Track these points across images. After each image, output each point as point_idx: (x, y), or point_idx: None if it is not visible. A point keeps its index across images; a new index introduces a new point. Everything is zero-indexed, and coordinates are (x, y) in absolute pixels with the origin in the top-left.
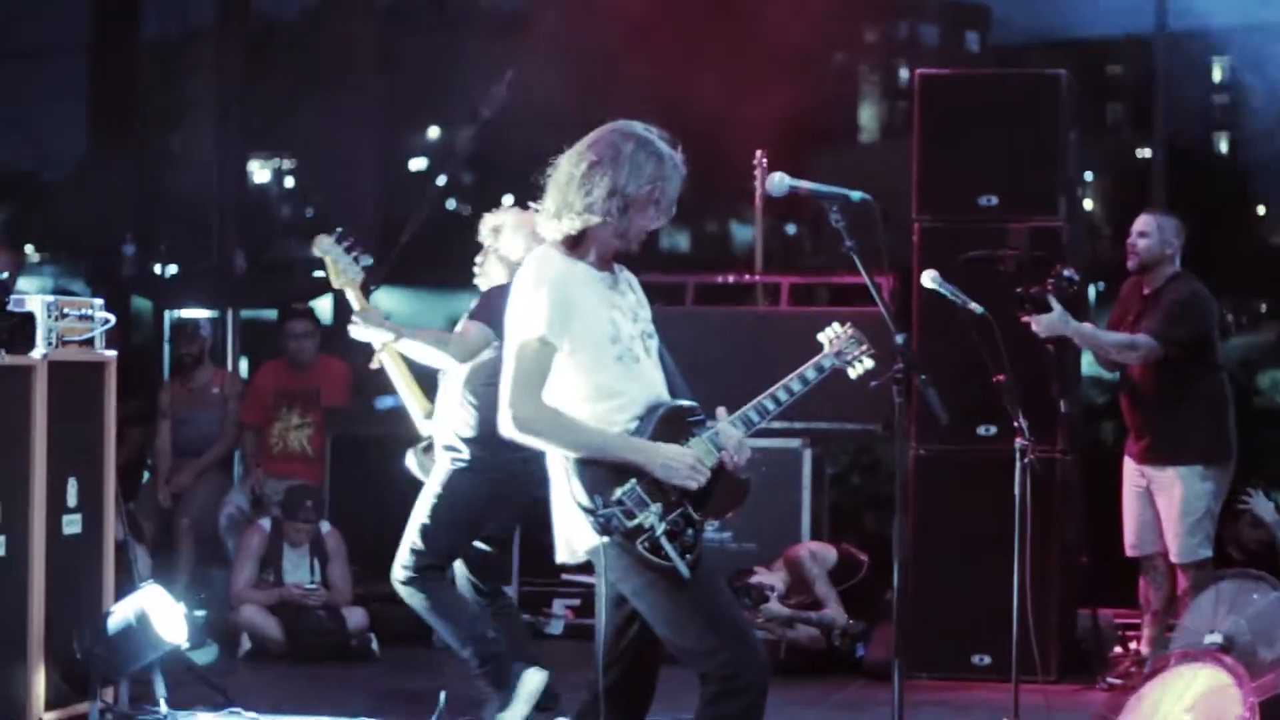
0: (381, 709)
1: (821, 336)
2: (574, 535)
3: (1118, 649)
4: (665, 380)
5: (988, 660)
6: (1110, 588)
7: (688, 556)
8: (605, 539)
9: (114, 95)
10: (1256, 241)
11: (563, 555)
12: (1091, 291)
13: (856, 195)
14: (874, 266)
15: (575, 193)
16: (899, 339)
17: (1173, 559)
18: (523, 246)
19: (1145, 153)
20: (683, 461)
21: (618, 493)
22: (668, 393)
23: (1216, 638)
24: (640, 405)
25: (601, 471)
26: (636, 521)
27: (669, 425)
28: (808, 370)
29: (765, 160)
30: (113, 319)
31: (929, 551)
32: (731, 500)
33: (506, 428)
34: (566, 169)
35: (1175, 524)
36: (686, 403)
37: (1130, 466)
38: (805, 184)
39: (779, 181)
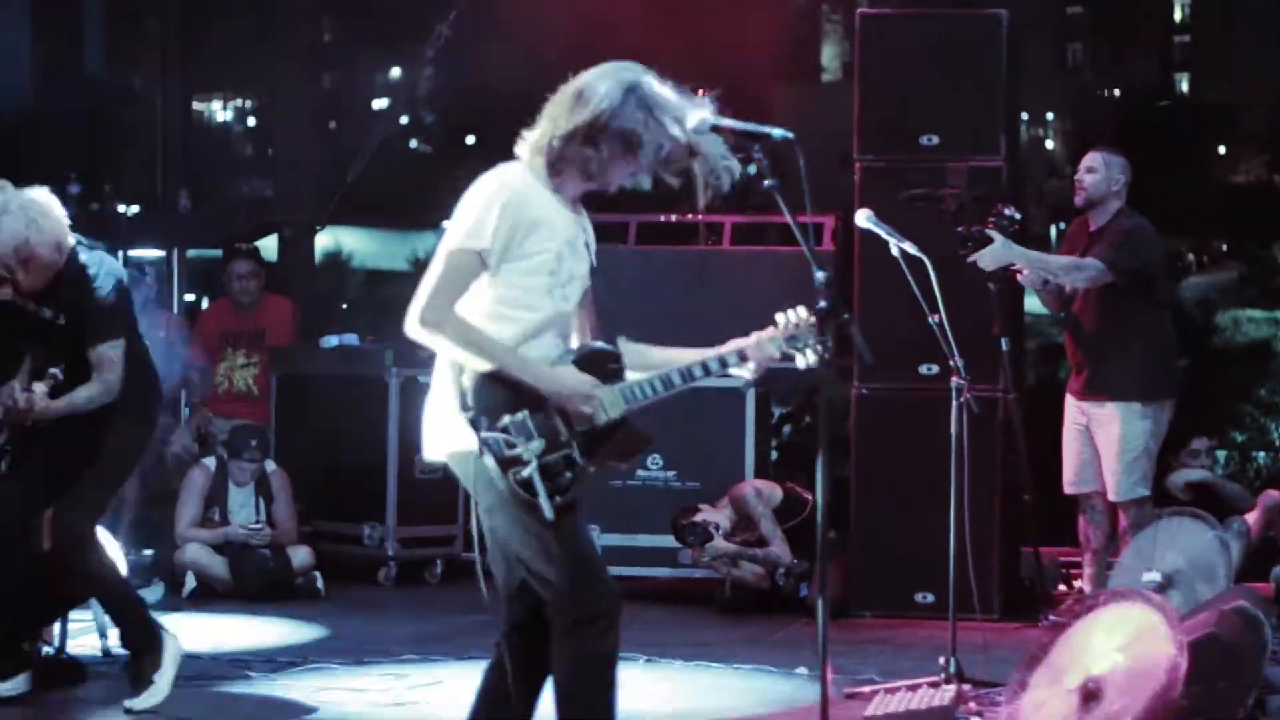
0: (326, 648)
1: (780, 317)
2: (445, 438)
3: (1061, 587)
4: (588, 328)
5: (930, 598)
6: (1055, 526)
7: (557, 499)
8: (474, 457)
9: (60, 31)
10: (1216, 181)
11: (430, 453)
12: (1053, 232)
13: (778, 133)
14: (801, 206)
15: (561, 116)
16: (819, 277)
17: (1110, 497)
18: None
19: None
20: (577, 389)
21: (505, 419)
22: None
23: (1155, 576)
24: (552, 344)
25: (498, 394)
26: (515, 452)
27: (591, 366)
28: (728, 354)
29: (711, 99)
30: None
31: (873, 490)
32: (628, 451)
33: (412, 326)
34: (561, 94)
35: (1113, 461)
36: (610, 348)
37: (1071, 403)
38: (726, 121)
39: (700, 120)
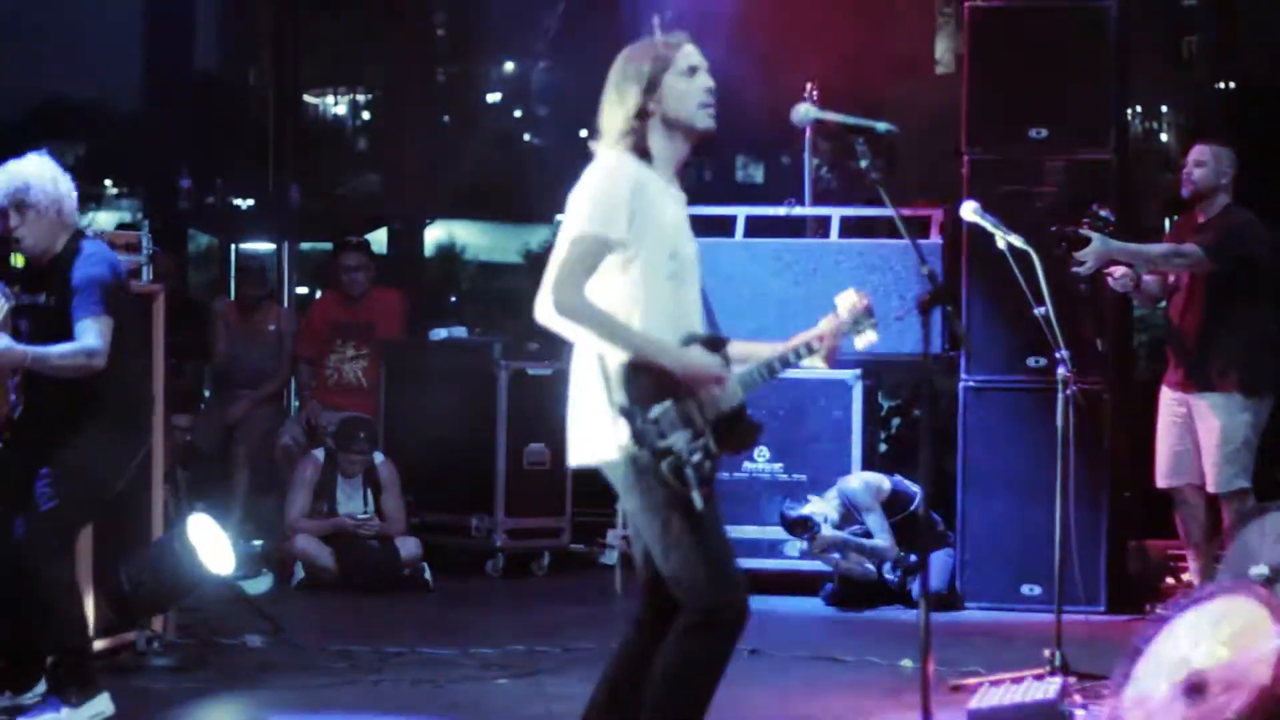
0: (433, 639)
1: (840, 299)
2: (594, 441)
3: (1168, 580)
4: (704, 314)
5: (1037, 590)
6: (1162, 520)
7: (704, 488)
8: (626, 453)
9: (172, 26)
10: None
11: (576, 458)
12: (1166, 225)
13: (883, 126)
14: (907, 198)
15: (628, 91)
16: (923, 269)
17: (1209, 488)
18: None
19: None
20: (711, 373)
21: (655, 411)
22: (699, 325)
23: (1262, 569)
24: (674, 329)
25: (643, 384)
26: (667, 442)
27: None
28: (811, 341)
29: (816, 93)
30: (147, 249)
31: (979, 482)
32: (746, 439)
33: (544, 312)
34: (612, 77)
35: (1213, 453)
36: (721, 335)
37: (1167, 395)
38: (831, 115)
39: (804, 112)
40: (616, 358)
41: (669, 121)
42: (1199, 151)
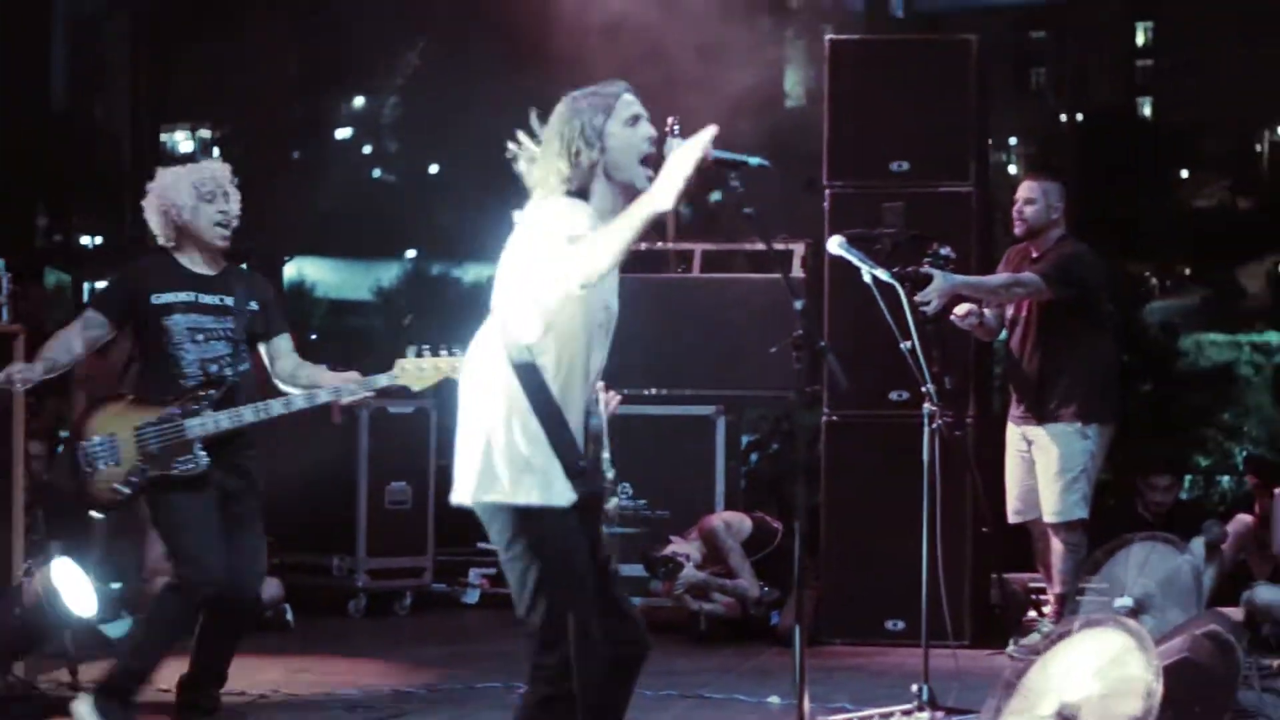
0: (295, 680)
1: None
2: (483, 484)
3: (1031, 613)
4: None
5: (901, 625)
6: (1024, 553)
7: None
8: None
9: (25, 64)
10: (1179, 205)
11: (462, 498)
12: None
13: (755, 160)
14: (776, 233)
15: (571, 138)
16: (797, 305)
17: (1046, 518)
18: None
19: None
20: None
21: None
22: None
23: (1127, 601)
24: (584, 382)
25: (566, 432)
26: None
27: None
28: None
29: (678, 127)
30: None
31: (843, 517)
32: None
33: (526, 327)
34: (545, 146)
35: (1052, 481)
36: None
37: (1013, 431)
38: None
39: (675, 147)
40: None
41: (610, 174)
42: (1028, 188)
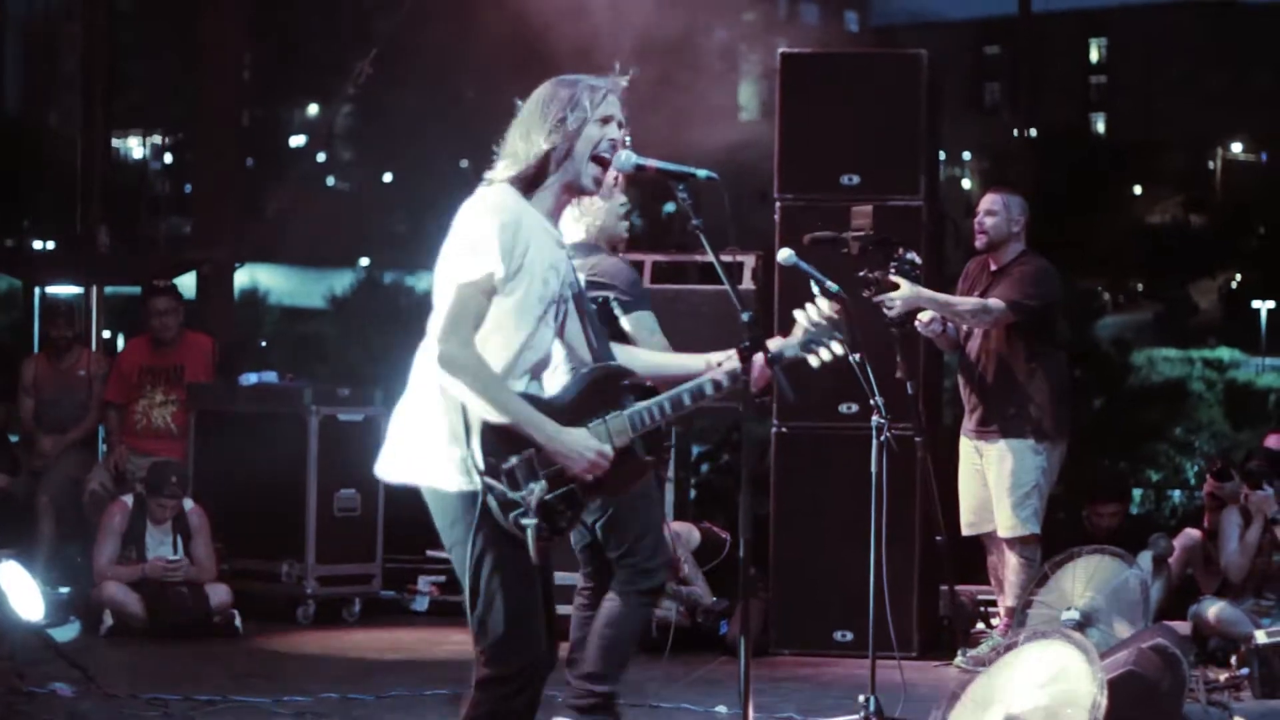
0: (244, 686)
1: (799, 315)
2: (425, 465)
3: (980, 625)
4: (591, 341)
5: (850, 636)
6: (972, 565)
7: (555, 537)
8: (460, 489)
9: None
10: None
11: (398, 475)
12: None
13: (703, 173)
14: (725, 245)
15: (535, 130)
16: (745, 317)
17: (999, 533)
18: None
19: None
20: (583, 455)
21: (512, 460)
22: (590, 355)
23: (1074, 614)
24: (537, 367)
25: (504, 435)
26: (519, 494)
27: (605, 385)
28: (737, 370)
29: (628, 139)
30: None
31: (792, 528)
32: (629, 481)
33: (431, 363)
34: (528, 110)
35: (1005, 496)
36: (621, 366)
37: (965, 444)
38: (652, 161)
39: (625, 159)
40: (484, 413)
41: (560, 164)
42: (990, 201)
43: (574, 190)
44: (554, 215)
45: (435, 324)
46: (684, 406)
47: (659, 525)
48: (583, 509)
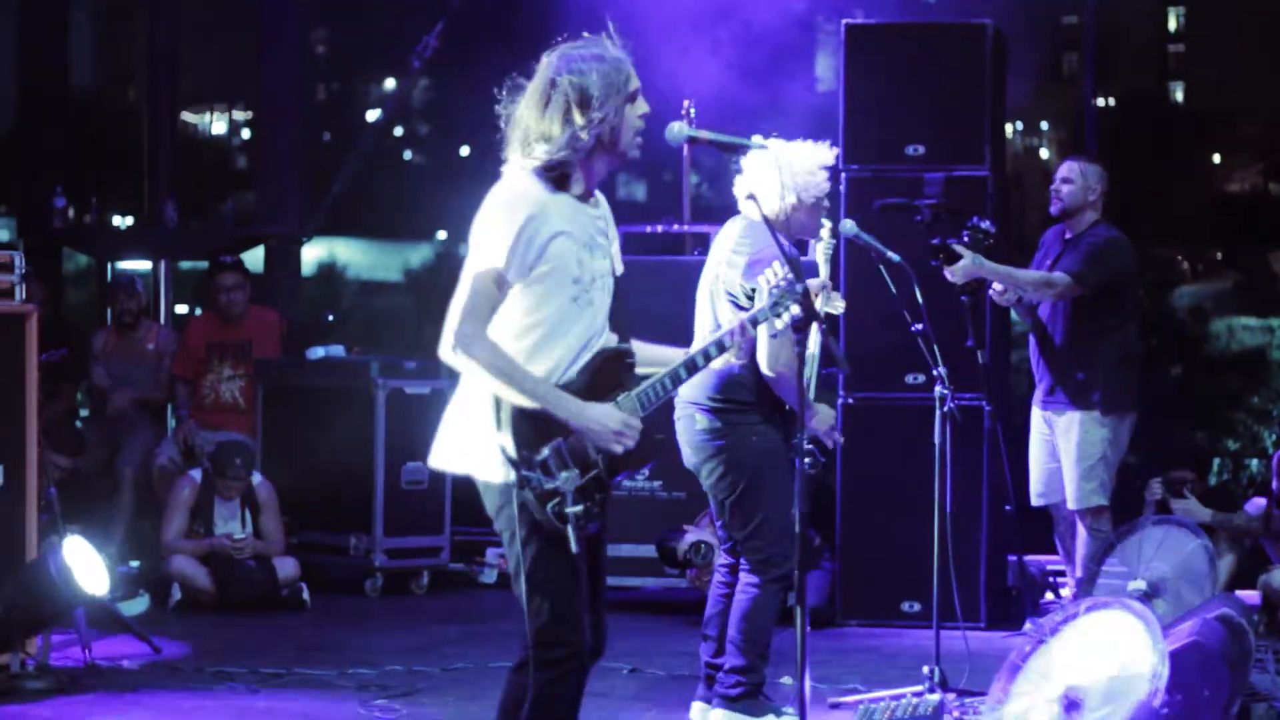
0: (311, 658)
1: (761, 279)
2: (474, 456)
3: (1048, 595)
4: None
5: (917, 607)
6: (1042, 535)
7: (590, 526)
8: (504, 479)
9: (47, 43)
10: (1211, 190)
11: (448, 465)
12: None
13: (755, 144)
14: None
15: (557, 103)
16: (798, 288)
17: (1068, 504)
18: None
19: (1101, 102)
20: (608, 426)
21: (544, 452)
22: (613, 332)
23: (1140, 584)
24: (576, 352)
25: (533, 425)
26: (554, 484)
27: (607, 366)
28: (724, 336)
29: (692, 110)
30: (20, 269)
31: (859, 499)
32: (645, 457)
33: (446, 351)
34: (538, 86)
35: (1071, 468)
36: (626, 346)
37: (1036, 415)
38: (704, 133)
39: (678, 130)
40: (510, 398)
41: (603, 144)
42: (1067, 168)
43: (615, 163)
44: (594, 187)
45: (451, 313)
46: (680, 379)
47: (785, 508)
48: (609, 492)
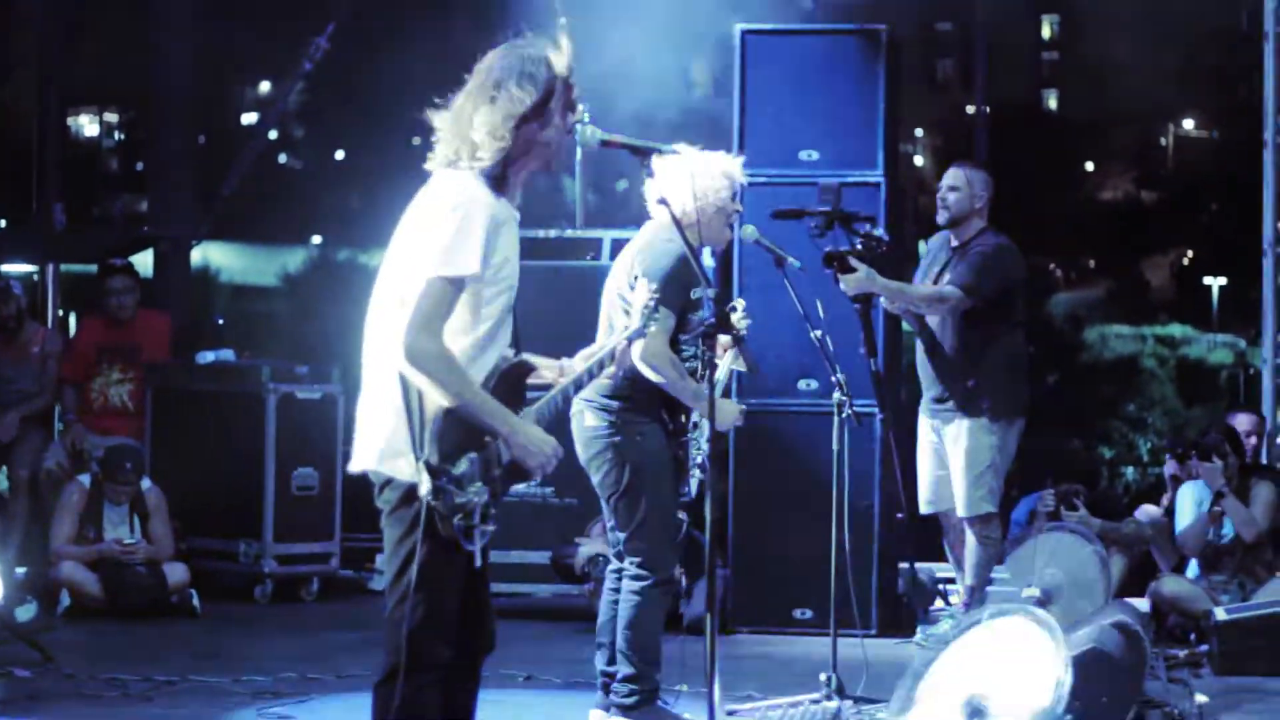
0: (203, 665)
1: (634, 296)
2: (390, 455)
3: (938, 602)
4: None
5: (810, 614)
6: (932, 542)
7: (485, 537)
8: (413, 479)
9: None
10: (1085, 197)
11: (365, 464)
12: (922, 246)
13: (667, 149)
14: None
15: (500, 108)
16: (709, 293)
17: (958, 512)
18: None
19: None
20: (543, 450)
21: (461, 465)
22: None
23: (1034, 591)
24: (496, 357)
25: (455, 436)
26: (464, 499)
27: (510, 378)
28: (605, 356)
29: (586, 115)
30: None
31: (753, 505)
32: (530, 472)
33: (397, 355)
34: (479, 88)
35: (960, 476)
36: (526, 361)
37: (923, 422)
38: (617, 137)
39: (590, 134)
40: (438, 402)
41: (538, 151)
42: (953, 175)
43: (542, 170)
44: (517, 192)
45: (402, 314)
46: (570, 398)
47: (667, 510)
48: (500, 502)
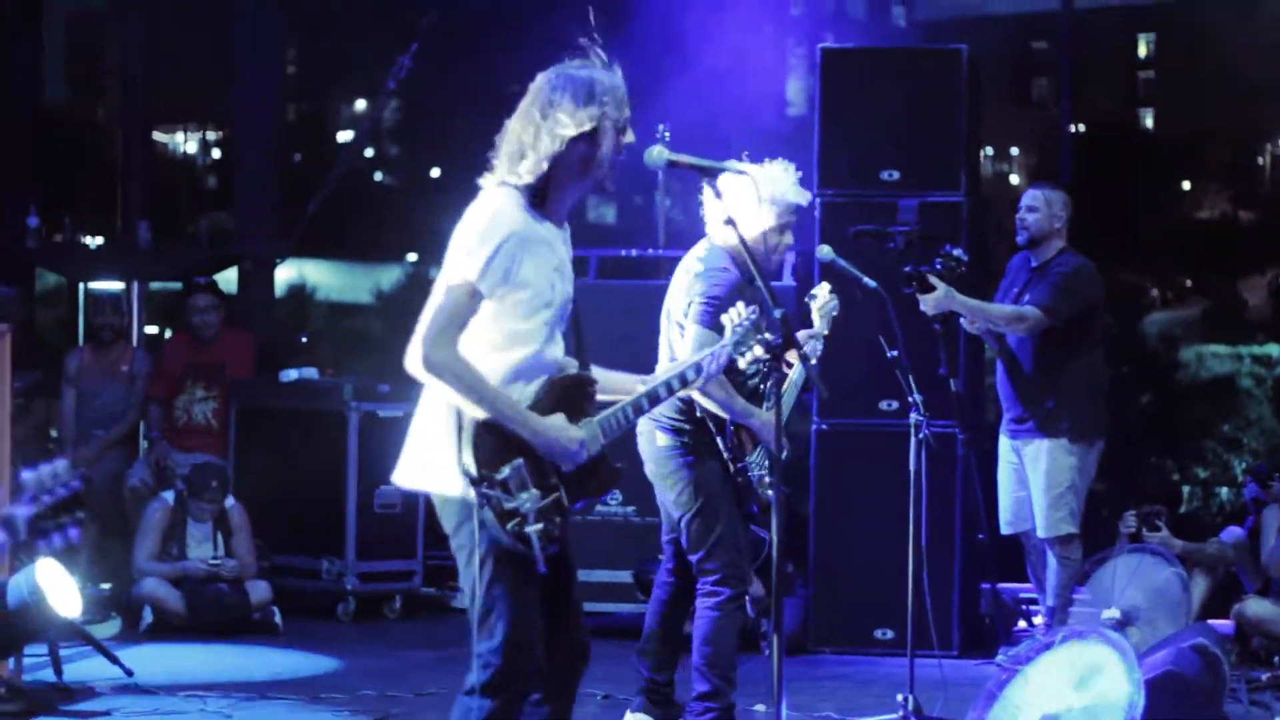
0: (283, 682)
1: (725, 319)
2: (433, 470)
3: (1021, 623)
4: (574, 347)
5: (891, 634)
6: (1015, 563)
7: (550, 548)
8: (463, 495)
9: (18, 61)
10: (1180, 217)
11: (407, 481)
12: None
13: (735, 169)
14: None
15: (550, 126)
16: (776, 314)
17: (1037, 533)
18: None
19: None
20: (565, 444)
21: (504, 471)
22: (571, 358)
23: (1114, 613)
24: (541, 372)
25: (493, 443)
26: (514, 503)
27: (569, 392)
28: (688, 370)
29: (667, 134)
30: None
31: (832, 525)
32: (605, 486)
33: (414, 364)
34: (533, 108)
35: (1040, 497)
36: (587, 374)
37: (1004, 443)
38: (684, 157)
39: (656, 154)
40: (475, 412)
41: (586, 170)
42: (1031, 196)
43: (596, 190)
44: (568, 211)
45: (420, 325)
46: (643, 410)
47: (738, 528)
48: (567, 517)
